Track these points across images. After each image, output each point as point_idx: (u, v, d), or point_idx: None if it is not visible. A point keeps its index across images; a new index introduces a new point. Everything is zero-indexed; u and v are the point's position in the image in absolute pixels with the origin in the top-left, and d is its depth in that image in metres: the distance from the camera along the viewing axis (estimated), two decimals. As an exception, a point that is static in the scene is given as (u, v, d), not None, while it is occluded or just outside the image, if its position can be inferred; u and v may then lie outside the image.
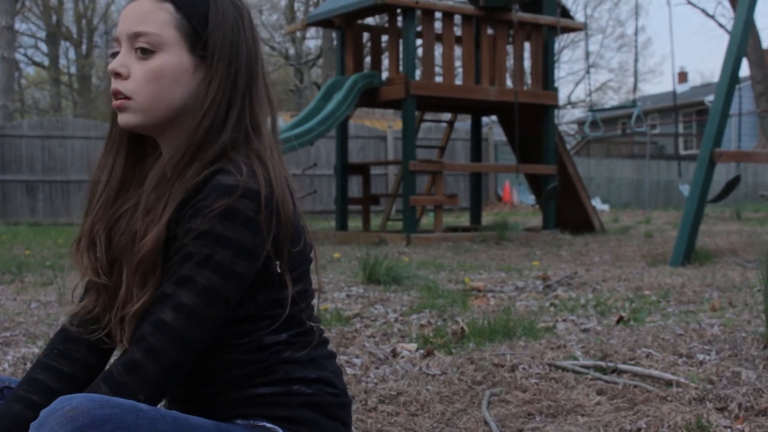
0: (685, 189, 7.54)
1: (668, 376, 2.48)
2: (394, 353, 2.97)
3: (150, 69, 1.35)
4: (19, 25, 29.64)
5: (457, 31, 10.21)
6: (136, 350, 1.27)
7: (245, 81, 1.39)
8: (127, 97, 1.36)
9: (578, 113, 39.25)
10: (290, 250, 1.37)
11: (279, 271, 1.36)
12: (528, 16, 9.90)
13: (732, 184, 7.72)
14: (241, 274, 1.29)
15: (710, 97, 26.37)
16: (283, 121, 20.40)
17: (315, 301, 1.48)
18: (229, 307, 1.31)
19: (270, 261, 1.33)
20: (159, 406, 1.34)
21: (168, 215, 1.31)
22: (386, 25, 10.33)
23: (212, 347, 1.35)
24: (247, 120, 1.38)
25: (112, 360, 1.38)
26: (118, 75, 1.36)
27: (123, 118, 1.38)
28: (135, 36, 1.35)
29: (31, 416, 1.27)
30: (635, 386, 2.41)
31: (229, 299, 1.30)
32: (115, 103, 1.37)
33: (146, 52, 1.35)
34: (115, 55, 1.39)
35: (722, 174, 22.52)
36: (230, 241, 1.27)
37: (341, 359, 2.84)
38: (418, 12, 9.64)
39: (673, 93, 8.01)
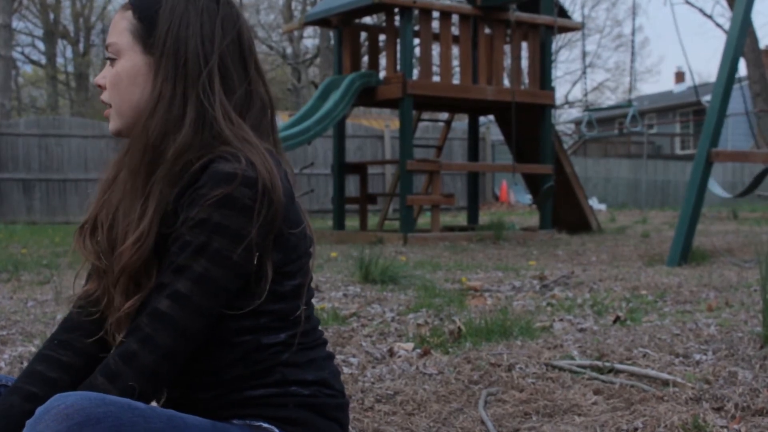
0: (713, 185, 7.37)
1: (665, 376, 2.48)
2: (391, 353, 2.97)
3: (111, 75, 1.42)
4: (17, 24, 29.60)
5: (455, 31, 10.21)
6: (132, 340, 1.27)
7: (200, 72, 1.36)
8: (109, 105, 1.44)
9: (575, 113, 39.28)
10: (288, 241, 1.36)
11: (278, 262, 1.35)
12: (525, 16, 9.90)
13: (761, 177, 7.68)
14: (238, 262, 1.29)
15: (707, 97, 26.35)
16: (281, 120, 20.39)
17: (313, 301, 1.47)
18: (228, 297, 1.30)
19: (269, 250, 1.33)
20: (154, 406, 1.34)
21: (155, 224, 1.32)
22: (384, 24, 10.34)
23: (211, 346, 1.35)
24: (215, 112, 1.35)
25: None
26: (100, 86, 1.46)
27: (110, 126, 1.46)
28: (106, 48, 1.44)
29: (29, 408, 1.26)
30: (632, 386, 2.41)
31: (226, 288, 1.29)
32: (105, 112, 1.47)
33: (112, 61, 1.43)
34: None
35: (719, 175, 22.56)
36: (227, 229, 1.27)
37: (338, 359, 2.84)
38: (416, 11, 9.64)
39: (695, 89, 8.07)
